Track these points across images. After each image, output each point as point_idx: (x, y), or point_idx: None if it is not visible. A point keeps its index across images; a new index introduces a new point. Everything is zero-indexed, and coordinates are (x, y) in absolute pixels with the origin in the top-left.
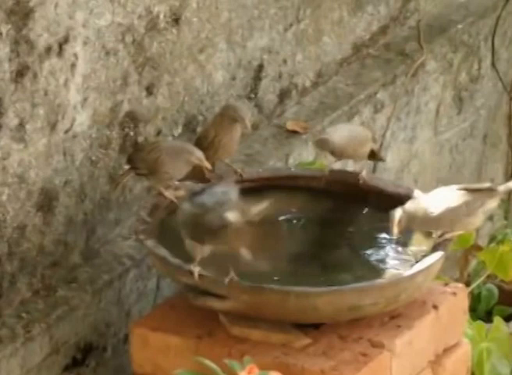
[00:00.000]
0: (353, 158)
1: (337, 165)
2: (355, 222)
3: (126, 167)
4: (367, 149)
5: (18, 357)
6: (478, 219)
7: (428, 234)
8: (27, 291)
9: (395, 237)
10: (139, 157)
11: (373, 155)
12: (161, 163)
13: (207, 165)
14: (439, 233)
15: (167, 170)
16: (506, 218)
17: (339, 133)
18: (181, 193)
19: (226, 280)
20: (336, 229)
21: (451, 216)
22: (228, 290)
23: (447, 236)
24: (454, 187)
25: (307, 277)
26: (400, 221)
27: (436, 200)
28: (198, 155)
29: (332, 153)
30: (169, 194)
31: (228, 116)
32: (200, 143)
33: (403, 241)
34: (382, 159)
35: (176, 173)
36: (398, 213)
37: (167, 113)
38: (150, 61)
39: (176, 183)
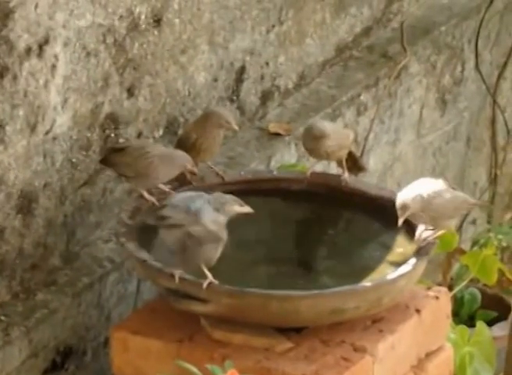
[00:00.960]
0: (334, 157)
1: (319, 167)
2: (338, 225)
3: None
4: (347, 150)
5: None
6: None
7: (411, 237)
8: (6, 294)
9: (399, 225)
10: (122, 161)
11: (354, 164)
12: (154, 169)
13: (195, 170)
14: (423, 235)
15: (157, 176)
16: (489, 222)
17: (330, 127)
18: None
19: (205, 283)
20: (319, 232)
21: (453, 207)
22: (209, 293)
23: (430, 239)
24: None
25: (288, 281)
26: (405, 208)
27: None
28: (191, 162)
29: (318, 149)
30: (150, 196)
31: (212, 122)
32: (181, 145)
33: (386, 244)
34: (364, 169)
35: (164, 177)
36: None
37: (148, 115)
38: (131, 62)
39: (163, 187)
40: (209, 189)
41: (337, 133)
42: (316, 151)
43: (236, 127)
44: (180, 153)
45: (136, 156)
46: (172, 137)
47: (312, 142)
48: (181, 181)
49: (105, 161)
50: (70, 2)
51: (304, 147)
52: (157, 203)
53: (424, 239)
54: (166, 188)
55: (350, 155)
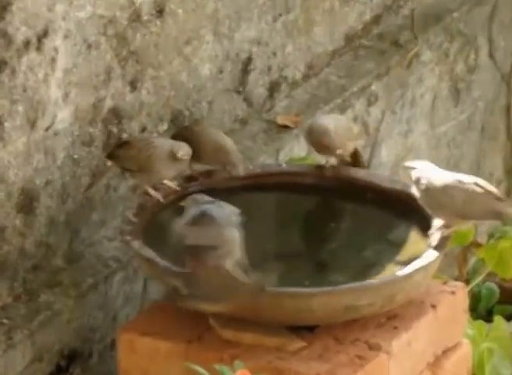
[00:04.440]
0: (337, 153)
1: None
2: (350, 219)
3: (109, 164)
4: (352, 144)
5: None
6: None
7: (426, 231)
8: (8, 296)
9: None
10: (126, 155)
11: (355, 159)
12: (154, 162)
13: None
14: (437, 227)
15: (160, 169)
16: None
17: (333, 123)
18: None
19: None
20: (330, 226)
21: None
22: None
23: (445, 233)
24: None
25: (299, 277)
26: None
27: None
28: (188, 151)
29: (323, 147)
30: (155, 193)
31: (218, 157)
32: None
33: (400, 238)
34: (363, 165)
35: (168, 172)
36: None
37: (152, 109)
38: (133, 54)
39: (169, 183)
40: (216, 184)
41: (340, 128)
42: (320, 147)
43: (242, 171)
44: (182, 144)
45: (138, 149)
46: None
47: (315, 138)
48: (187, 177)
49: (111, 155)
50: None
51: (307, 143)
52: (162, 200)
53: (439, 232)
54: (173, 184)
55: (354, 151)
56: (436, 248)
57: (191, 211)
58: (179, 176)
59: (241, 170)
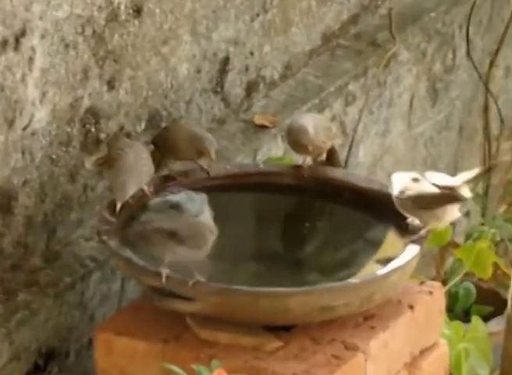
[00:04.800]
0: (317, 151)
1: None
2: (327, 219)
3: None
4: (330, 143)
5: None
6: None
7: (402, 231)
8: None
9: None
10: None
11: (331, 158)
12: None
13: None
14: (413, 227)
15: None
16: (483, 215)
17: (305, 122)
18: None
19: (191, 282)
20: (307, 226)
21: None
22: (195, 291)
23: (422, 232)
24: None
25: (277, 277)
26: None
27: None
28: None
29: (303, 146)
30: (146, 189)
31: (192, 146)
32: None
33: (377, 238)
34: (339, 165)
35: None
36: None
37: (130, 108)
38: (111, 54)
39: (147, 189)
40: (194, 184)
41: (319, 127)
42: (299, 146)
43: (215, 158)
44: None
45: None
46: (155, 131)
47: (294, 138)
48: (164, 177)
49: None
50: None
51: (287, 142)
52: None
53: (416, 232)
54: (147, 190)
55: (330, 150)
56: (413, 247)
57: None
58: (156, 176)
59: (213, 155)
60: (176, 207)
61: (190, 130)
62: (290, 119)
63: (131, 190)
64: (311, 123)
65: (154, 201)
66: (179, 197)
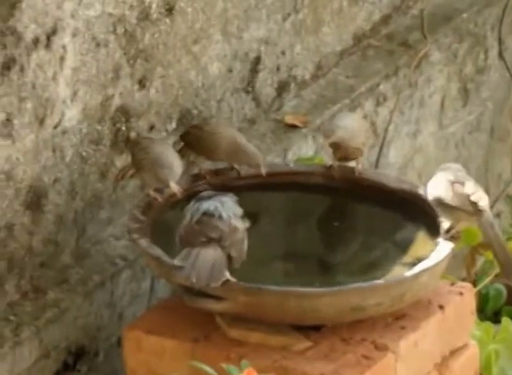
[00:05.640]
0: (354, 154)
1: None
2: (357, 219)
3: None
4: (366, 144)
5: (6, 362)
6: None
7: (433, 231)
8: (15, 293)
9: None
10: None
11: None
12: (143, 169)
13: (174, 191)
14: (444, 227)
15: (145, 177)
16: None
17: (348, 123)
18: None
19: (221, 281)
20: (337, 227)
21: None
22: (225, 291)
23: (453, 232)
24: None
25: (306, 277)
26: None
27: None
28: (172, 185)
29: (337, 146)
30: (154, 192)
31: (236, 157)
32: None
33: (408, 239)
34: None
35: (155, 183)
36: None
37: (160, 107)
38: (142, 53)
39: (175, 188)
40: (224, 183)
41: (360, 130)
42: (338, 149)
43: (264, 172)
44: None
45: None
46: (184, 130)
47: (337, 141)
48: (195, 176)
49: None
50: None
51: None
52: (159, 199)
53: (448, 233)
54: (176, 189)
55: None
56: (444, 248)
57: (193, 208)
58: (187, 175)
59: (263, 170)
60: (209, 214)
61: (233, 139)
62: (331, 118)
63: (177, 169)
64: (355, 125)
65: (188, 207)
66: (211, 203)
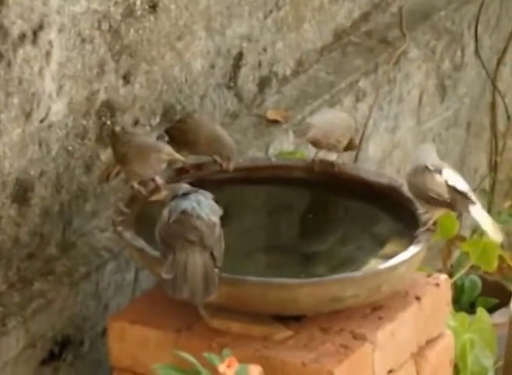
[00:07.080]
0: (334, 148)
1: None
2: (336, 212)
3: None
4: (347, 139)
5: None
6: None
7: (410, 224)
8: (2, 284)
9: None
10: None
11: (349, 145)
12: (129, 161)
13: (179, 157)
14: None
15: (134, 169)
16: (489, 210)
17: (323, 120)
18: (163, 193)
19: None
20: (317, 220)
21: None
22: None
23: (429, 225)
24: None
25: (287, 269)
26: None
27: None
28: (167, 151)
29: (314, 143)
30: (138, 185)
31: (212, 148)
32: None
33: (385, 231)
34: (356, 147)
35: (144, 172)
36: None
37: (145, 102)
38: (127, 49)
39: (159, 181)
40: (207, 177)
41: (336, 126)
42: (320, 144)
43: (231, 168)
44: (156, 145)
45: (120, 144)
46: (169, 124)
47: (317, 136)
48: (178, 170)
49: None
50: None
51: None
52: (144, 192)
53: (424, 225)
54: (160, 181)
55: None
56: (420, 240)
57: (171, 207)
58: (169, 169)
59: (231, 166)
60: (188, 213)
61: (211, 130)
62: (313, 114)
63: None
64: (327, 121)
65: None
66: (188, 203)
